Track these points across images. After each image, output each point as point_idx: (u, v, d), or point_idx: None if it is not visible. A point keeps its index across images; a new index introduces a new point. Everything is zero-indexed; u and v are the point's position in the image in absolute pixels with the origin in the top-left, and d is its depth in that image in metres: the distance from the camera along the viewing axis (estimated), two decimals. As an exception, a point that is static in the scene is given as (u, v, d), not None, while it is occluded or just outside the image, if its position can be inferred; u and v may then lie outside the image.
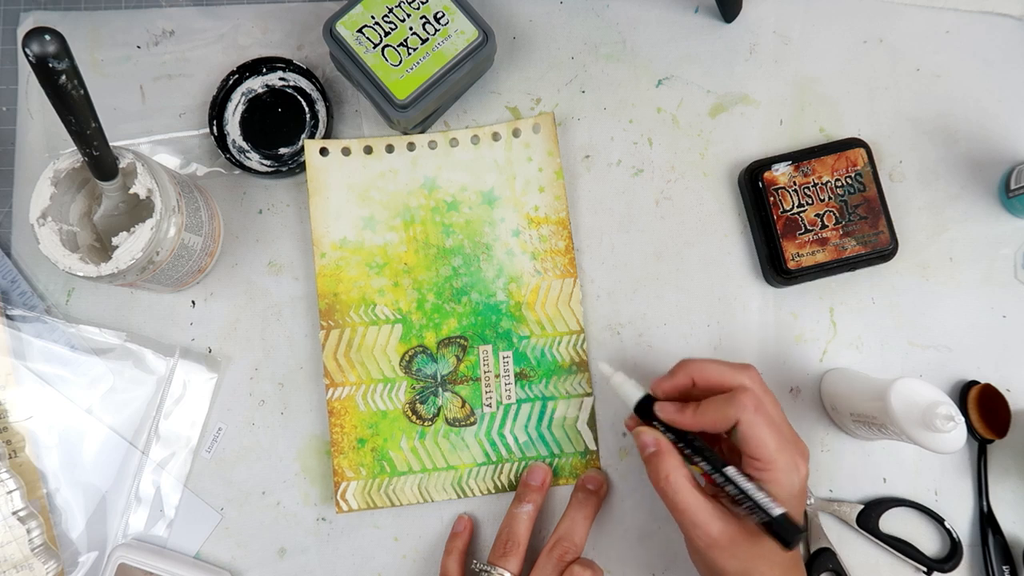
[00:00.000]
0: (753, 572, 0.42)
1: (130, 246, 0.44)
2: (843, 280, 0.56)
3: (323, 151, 0.55)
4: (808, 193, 0.54)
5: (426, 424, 0.53)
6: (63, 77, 0.35)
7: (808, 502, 0.53)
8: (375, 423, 0.53)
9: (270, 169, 0.55)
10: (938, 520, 0.53)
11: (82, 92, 0.37)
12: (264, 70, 0.55)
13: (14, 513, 0.49)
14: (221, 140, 0.55)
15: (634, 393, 0.47)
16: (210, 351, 0.54)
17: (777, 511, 0.40)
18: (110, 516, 0.52)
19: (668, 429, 0.45)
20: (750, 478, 0.42)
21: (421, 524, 0.53)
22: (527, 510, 0.50)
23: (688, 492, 0.42)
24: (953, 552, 0.53)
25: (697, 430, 0.44)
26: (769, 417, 0.42)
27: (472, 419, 0.53)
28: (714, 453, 0.43)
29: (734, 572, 0.42)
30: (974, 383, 0.54)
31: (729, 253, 0.56)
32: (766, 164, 0.54)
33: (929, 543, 0.54)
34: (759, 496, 0.41)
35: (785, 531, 0.39)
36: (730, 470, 0.42)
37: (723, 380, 0.44)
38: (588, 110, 0.57)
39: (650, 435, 0.45)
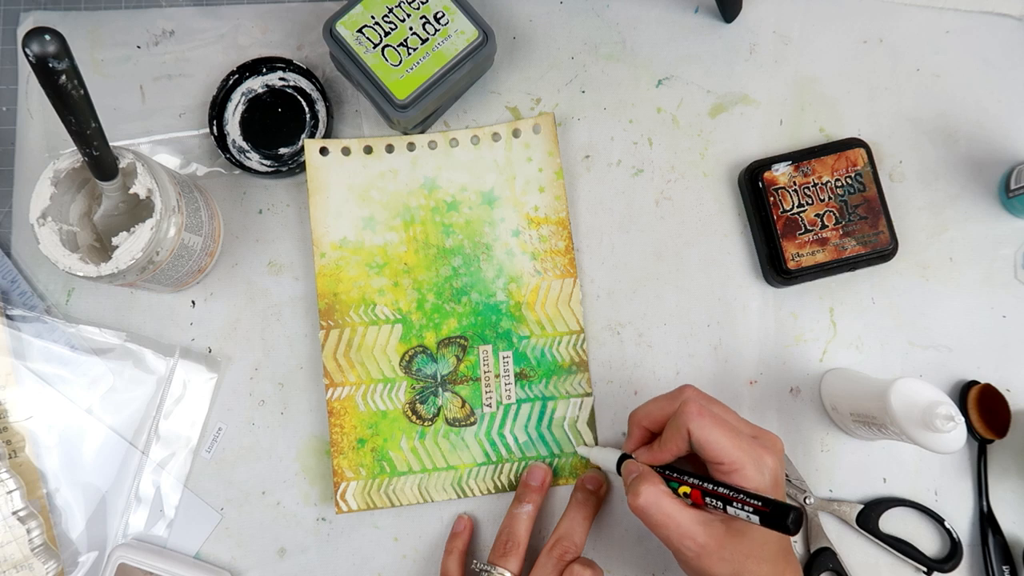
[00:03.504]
0: (744, 572, 0.41)
1: (130, 246, 0.44)
2: (843, 280, 0.56)
3: (323, 151, 0.55)
4: (808, 193, 0.54)
5: (426, 424, 0.53)
6: (63, 77, 0.35)
7: (808, 502, 0.53)
8: (375, 423, 0.53)
9: (270, 169, 0.55)
10: (938, 520, 0.53)
11: (82, 92, 0.37)
12: (264, 70, 0.55)
13: (14, 513, 0.49)
14: (221, 140, 0.55)
15: (612, 456, 0.49)
16: (210, 351, 0.54)
17: (766, 499, 0.39)
18: (110, 516, 0.52)
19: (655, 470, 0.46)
20: None
21: (421, 524, 0.53)
22: (527, 510, 0.50)
23: (667, 504, 0.42)
24: (953, 552, 0.53)
25: (669, 459, 0.45)
26: (718, 419, 0.42)
27: (472, 419, 0.53)
28: (698, 475, 0.43)
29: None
30: (974, 383, 0.54)
31: (729, 253, 0.56)
32: (766, 164, 0.54)
33: (929, 543, 0.54)
34: (745, 490, 0.40)
35: (781, 515, 0.38)
36: (714, 480, 0.42)
37: (666, 411, 0.45)
38: (588, 110, 0.57)
39: (633, 465, 0.46)
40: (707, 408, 0.43)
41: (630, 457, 0.47)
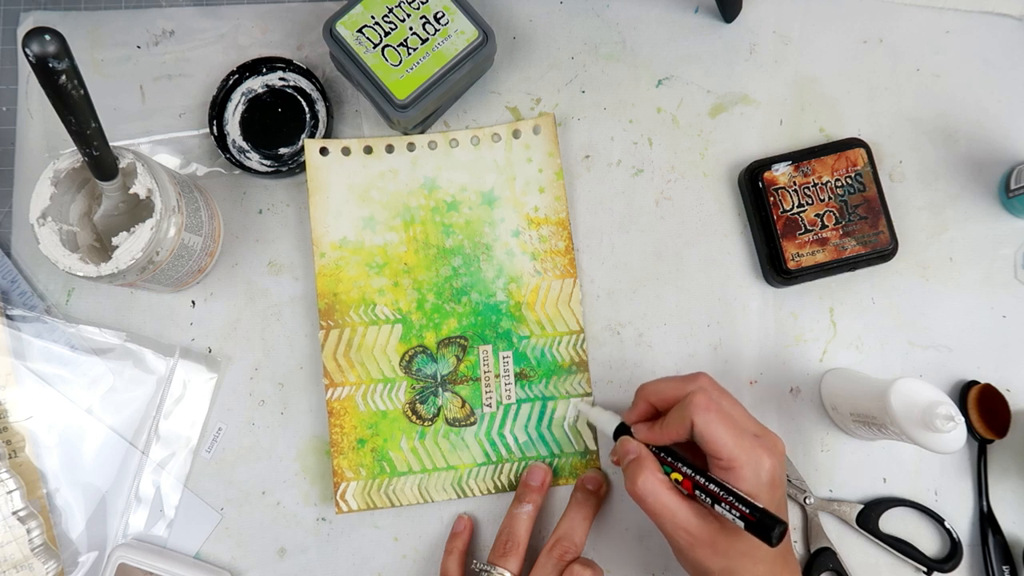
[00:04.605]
0: (738, 570, 0.41)
1: (130, 246, 0.44)
2: (843, 280, 0.56)
3: (323, 151, 0.55)
4: (808, 193, 0.54)
5: (426, 424, 0.53)
6: (63, 77, 0.35)
7: (808, 502, 0.53)
8: (375, 423, 0.53)
9: (270, 169, 0.55)
10: (938, 520, 0.53)
11: (82, 92, 0.37)
12: (264, 70, 0.55)
13: (14, 513, 0.49)
14: (221, 140, 0.55)
15: (611, 422, 0.49)
16: (210, 351, 0.54)
17: (754, 506, 0.39)
18: (110, 516, 0.52)
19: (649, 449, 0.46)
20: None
21: (421, 524, 0.53)
22: (527, 510, 0.50)
23: (664, 494, 0.42)
24: (953, 552, 0.53)
25: (667, 442, 0.45)
26: (724, 414, 0.42)
27: (472, 419, 0.53)
28: (693, 464, 0.43)
29: (719, 570, 0.42)
30: (974, 383, 0.54)
31: (729, 253, 0.56)
32: (766, 164, 0.54)
33: (929, 543, 0.54)
34: (735, 492, 0.40)
35: (765, 526, 0.38)
36: (707, 474, 0.42)
37: (676, 393, 0.45)
38: (588, 110, 0.57)
39: (632, 443, 0.46)
40: (716, 402, 0.43)
41: (628, 430, 0.47)
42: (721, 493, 0.40)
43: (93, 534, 0.52)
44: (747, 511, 0.39)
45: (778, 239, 0.54)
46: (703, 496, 0.41)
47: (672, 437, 0.44)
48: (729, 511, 0.40)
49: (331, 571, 0.53)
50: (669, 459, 0.44)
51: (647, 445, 0.45)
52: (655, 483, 0.42)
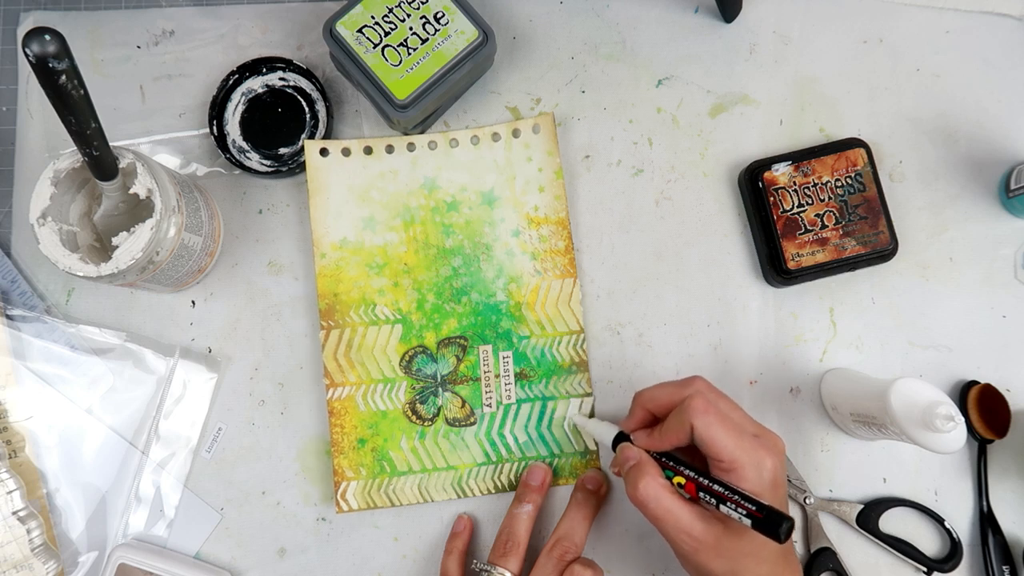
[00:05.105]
0: (741, 571, 0.41)
1: (130, 246, 0.44)
2: (843, 280, 0.56)
3: (323, 152, 0.55)
4: (808, 193, 0.54)
5: (426, 424, 0.53)
6: (63, 77, 0.35)
7: (808, 502, 0.53)
8: (375, 423, 0.53)
9: (270, 169, 0.55)
10: (938, 520, 0.53)
11: (82, 92, 0.37)
12: (264, 70, 0.55)
13: (14, 513, 0.49)
14: (221, 140, 0.55)
15: (609, 432, 0.49)
16: (210, 351, 0.54)
17: (761, 504, 0.39)
18: (110, 516, 0.52)
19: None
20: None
21: (421, 524, 0.53)
22: (527, 510, 0.50)
23: (666, 498, 0.42)
24: (953, 552, 0.53)
25: (667, 448, 0.44)
26: (722, 416, 0.42)
27: (472, 419, 0.53)
28: (695, 467, 0.43)
29: (722, 573, 0.41)
30: (974, 383, 0.54)
31: (729, 253, 0.56)
32: (766, 164, 0.54)
33: (929, 543, 0.54)
34: (740, 491, 0.40)
35: (773, 523, 0.38)
36: (710, 475, 0.42)
37: (673, 398, 0.45)
38: (588, 110, 0.57)
39: (632, 450, 0.45)
40: (713, 404, 0.43)
41: (627, 439, 0.47)
42: (726, 493, 0.40)
43: (93, 534, 0.52)
44: (754, 508, 0.39)
45: (778, 239, 0.54)
46: (707, 498, 0.41)
47: (672, 442, 0.44)
48: (735, 510, 0.40)
49: (331, 571, 0.53)
50: (671, 464, 0.44)
51: (647, 451, 0.45)
52: (657, 487, 0.42)
